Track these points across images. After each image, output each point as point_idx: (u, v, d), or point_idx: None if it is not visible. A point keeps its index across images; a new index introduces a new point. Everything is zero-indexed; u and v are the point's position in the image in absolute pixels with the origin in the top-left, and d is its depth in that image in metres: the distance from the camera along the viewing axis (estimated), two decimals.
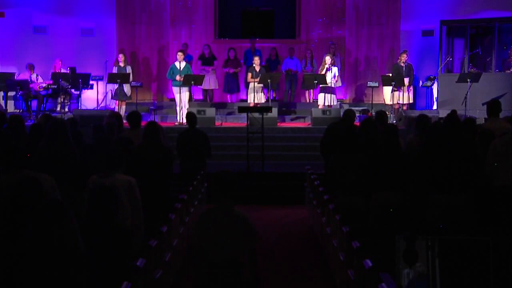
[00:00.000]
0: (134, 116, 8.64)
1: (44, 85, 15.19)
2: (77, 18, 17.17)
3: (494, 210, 5.60)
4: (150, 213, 5.97)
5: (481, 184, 6.07)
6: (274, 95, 16.39)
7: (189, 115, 9.67)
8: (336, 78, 14.74)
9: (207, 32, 17.97)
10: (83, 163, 6.40)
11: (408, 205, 5.60)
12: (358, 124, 9.29)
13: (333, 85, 14.65)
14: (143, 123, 8.64)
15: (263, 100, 14.97)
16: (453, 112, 8.35)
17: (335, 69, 14.75)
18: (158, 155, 6.98)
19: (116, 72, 14.83)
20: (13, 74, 15.48)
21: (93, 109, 15.34)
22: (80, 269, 3.65)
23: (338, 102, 15.83)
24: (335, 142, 7.50)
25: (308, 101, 16.81)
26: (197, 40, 17.80)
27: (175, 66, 14.70)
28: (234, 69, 16.35)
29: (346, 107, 15.72)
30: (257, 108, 13.05)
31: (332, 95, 14.64)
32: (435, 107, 15.90)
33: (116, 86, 14.75)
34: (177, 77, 14.54)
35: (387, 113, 14.61)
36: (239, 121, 14.76)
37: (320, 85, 14.60)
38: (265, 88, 15.13)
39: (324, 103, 14.63)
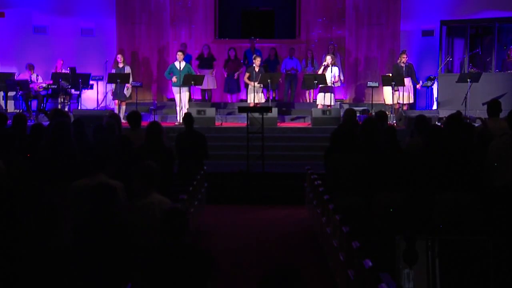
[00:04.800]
0: (134, 116, 8.61)
1: (44, 85, 15.19)
2: (77, 18, 17.17)
3: (494, 210, 5.61)
4: None
5: (483, 184, 6.07)
6: (274, 95, 16.38)
7: (185, 116, 9.69)
8: (336, 78, 14.73)
9: (207, 32, 17.97)
10: (84, 163, 6.39)
11: (414, 205, 5.60)
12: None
13: (333, 85, 14.65)
14: (143, 123, 8.65)
15: (263, 100, 14.97)
16: (459, 113, 8.36)
17: (335, 70, 14.74)
18: (160, 155, 6.97)
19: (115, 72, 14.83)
20: (13, 74, 15.47)
21: (93, 109, 15.33)
22: (70, 269, 3.66)
23: (338, 102, 15.82)
24: (335, 143, 7.47)
25: (308, 101, 16.81)
26: (197, 40, 17.79)
27: (175, 66, 14.69)
28: (236, 72, 16.34)
29: (346, 107, 15.72)
30: (257, 108, 13.05)
31: (331, 94, 14.64)
32: (435, 107, 15.89)
33: (115, 86, 14.75)
34: (174, 78, 14.50)
35: (387, 113, 14.66)
36: (239, 121, 14.75)
37: (320, 85, 14.60)
38: (265, 88, 15.13)
39: (324, 102, 14.63)
